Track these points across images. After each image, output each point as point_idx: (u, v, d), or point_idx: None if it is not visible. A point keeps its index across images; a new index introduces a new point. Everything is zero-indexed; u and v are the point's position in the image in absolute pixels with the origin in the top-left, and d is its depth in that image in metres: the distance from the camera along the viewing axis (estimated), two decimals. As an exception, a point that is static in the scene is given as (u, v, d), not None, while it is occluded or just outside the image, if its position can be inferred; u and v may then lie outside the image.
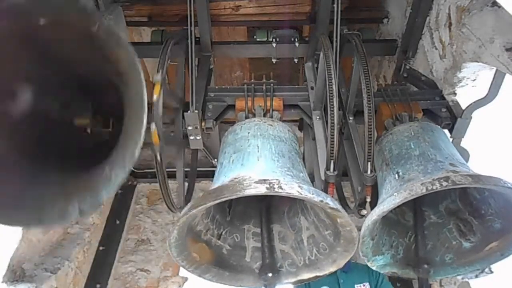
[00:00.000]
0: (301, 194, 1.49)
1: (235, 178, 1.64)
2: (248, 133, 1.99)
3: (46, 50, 1.33)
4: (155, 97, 1.76)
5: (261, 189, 1.47)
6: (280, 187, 1.47)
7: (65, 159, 1.48)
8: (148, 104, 1.85)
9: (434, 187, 1.57)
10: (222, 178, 1.75)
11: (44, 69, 1.40)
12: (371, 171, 1.89)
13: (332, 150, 1.88)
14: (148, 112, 1.17)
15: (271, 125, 2.06)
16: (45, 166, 1.40)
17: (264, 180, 1.53)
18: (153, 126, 1.71)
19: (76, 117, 1.61)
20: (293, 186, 1.51)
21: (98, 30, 1.14)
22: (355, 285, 2.99)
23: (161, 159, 1.87)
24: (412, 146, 1.94)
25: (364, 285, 3.00)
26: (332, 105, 1.89)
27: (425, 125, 2.08)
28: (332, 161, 1.89)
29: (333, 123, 1.88)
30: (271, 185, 1.48)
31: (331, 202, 1.54)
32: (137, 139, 1.15)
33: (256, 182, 1.51)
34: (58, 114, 1.55)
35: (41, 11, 1.16)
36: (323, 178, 1.99)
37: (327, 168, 1.91)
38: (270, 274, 1.82)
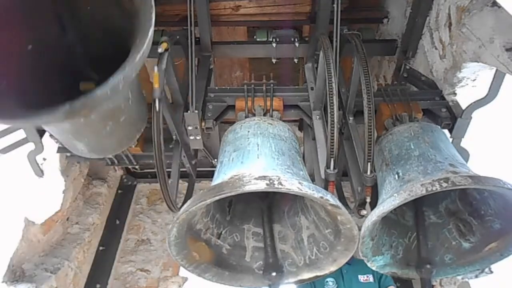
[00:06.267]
0: (301, 190, 1.48)
1: (235, 175, 1.64)
2: (248, 131, 1.99)
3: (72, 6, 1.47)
4: (161, 49, 1.84)
5: (261, 185, 1.47)
6: (280, 183, 1.47)
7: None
8: (148, 104, 1.86)
9: (434, 188, 1.57)
10: (222, 176, 1.74)
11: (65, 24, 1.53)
12: (371, 172, 1.88)
13: (332, 148, 1.88)
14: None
15: (271, 124, 2.06)
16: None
17: (264, 176, 1.52)
18: (155, 69, 1.74)
19: (83, 81, 1.71)
20: (293, 183, 1.51)
21: None
22: (359, 276, 2.99)
23: (159, 105, 1.85)
24: (412, 147, 1.94)
25: (367, 276, 3.00)
26: (332, 103, 1.89)
27: (425, 126, 2.08)
28: (332, 159, 1.89)
29: (333, 121, 1.87)
30: (271, 181, 1.47)
31: (331, 198, 1.54)
32: (144, 40, 1.26)
33: (256, 179, 1.51)
34: (67, 70, 1.64)
35: None
36: (323, 177, 1.99)
37: (327, 166, 1.90)
38: (274, 274, 1.82)
